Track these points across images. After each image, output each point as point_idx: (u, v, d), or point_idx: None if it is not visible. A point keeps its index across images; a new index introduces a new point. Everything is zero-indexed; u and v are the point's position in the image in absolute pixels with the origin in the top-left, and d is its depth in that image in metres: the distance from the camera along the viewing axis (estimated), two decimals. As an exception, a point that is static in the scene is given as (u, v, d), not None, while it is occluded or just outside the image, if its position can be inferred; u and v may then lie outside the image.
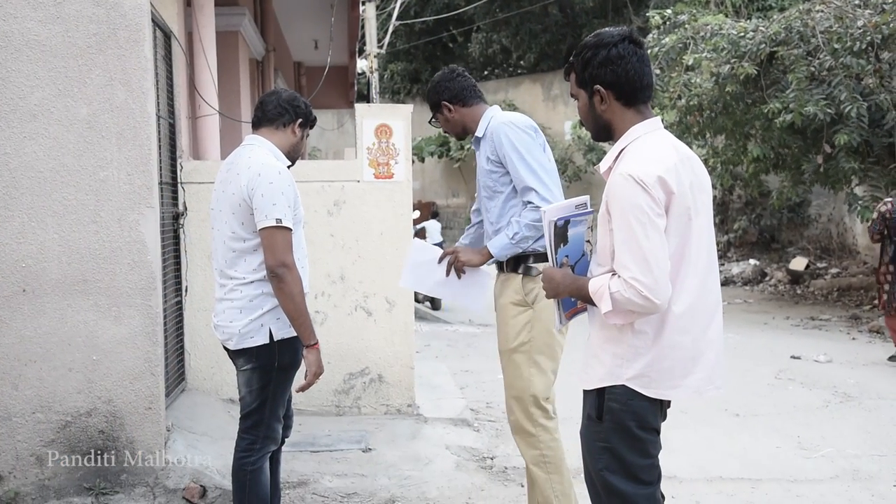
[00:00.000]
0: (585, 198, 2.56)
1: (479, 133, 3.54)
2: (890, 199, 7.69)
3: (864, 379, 6.98)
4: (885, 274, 7.71)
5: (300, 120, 3.27)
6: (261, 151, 3.14)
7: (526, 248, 3.35)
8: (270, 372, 3.12)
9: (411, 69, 26.41)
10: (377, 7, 19.77)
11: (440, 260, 3.52)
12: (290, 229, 3.03)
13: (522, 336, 3.35)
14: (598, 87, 2.35)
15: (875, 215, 7.63)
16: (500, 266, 3.48)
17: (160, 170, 4.31)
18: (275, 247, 2.99)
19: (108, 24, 3.82)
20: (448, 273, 3.50)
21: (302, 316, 3.04)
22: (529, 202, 3.31)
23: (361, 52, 17.29)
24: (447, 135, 3.75)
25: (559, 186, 3.40)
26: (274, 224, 2.98)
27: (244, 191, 3.03)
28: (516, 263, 3.40)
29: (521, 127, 3.40)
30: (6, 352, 3.80)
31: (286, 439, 3.39)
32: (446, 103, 3.58)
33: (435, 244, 3.48)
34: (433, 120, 3.69)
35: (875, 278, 8.49)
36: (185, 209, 5.10)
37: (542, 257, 3.33)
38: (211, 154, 5.94)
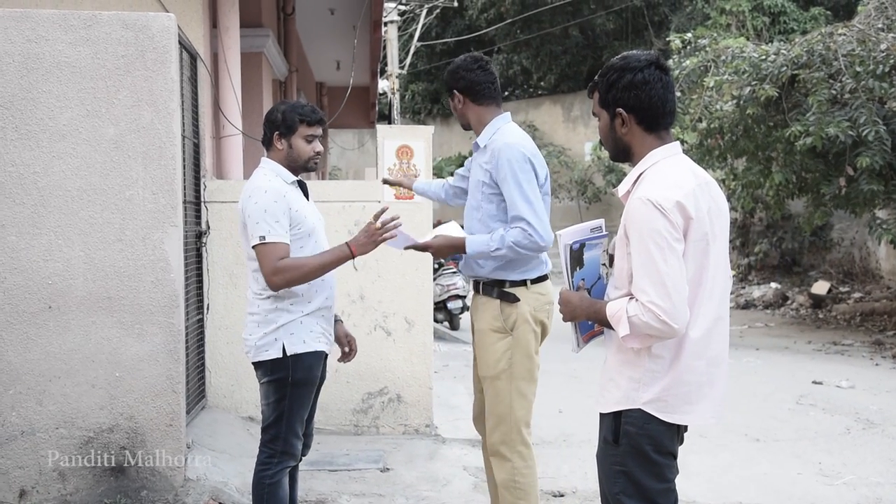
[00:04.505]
0: (600, 221, 2.58)
1: (481, 142, 3.44)
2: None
3: (887, 405, 6.89)
4: None
5: (277, 132, 3.22)
6: (261, 173, 3.23)
7: (503, 276, 3.30)
8: (285, 386, 3.16)
9: (432, 90, 26.59)
10: (399, 28, 19.94)
11: (409, 245, 3.32)
12: (276, 243, 3.05)
13: (503, 363, 3.30)
14: (620, 109, 2.37)
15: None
16: (476, 287, 3.43)
17: (184, 189, 4.37)
18: (263, 263, 3.07)
19: (137, 46, 3.90)
20: (406, 248, 3.34)
21: (326, 266, 3.11)
22: (518, 226, 3.22)
23: (383, 72, 17.43)
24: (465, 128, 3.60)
25: (547, 214, 3.30)
26: (258, 242, 3.06)
27: (242, 214, 3.16)
28: (492, 288, 3.34)
29: (524, 153, 3.28)
30: (32, 367, 3.86)
31: (304, 457, 3.42)
32: (458, 93, 3.48)
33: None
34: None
35: None
36: (209, 228, 5.16)
37: (518, 284, 3.30)
38: (234, 173, 6.01)
